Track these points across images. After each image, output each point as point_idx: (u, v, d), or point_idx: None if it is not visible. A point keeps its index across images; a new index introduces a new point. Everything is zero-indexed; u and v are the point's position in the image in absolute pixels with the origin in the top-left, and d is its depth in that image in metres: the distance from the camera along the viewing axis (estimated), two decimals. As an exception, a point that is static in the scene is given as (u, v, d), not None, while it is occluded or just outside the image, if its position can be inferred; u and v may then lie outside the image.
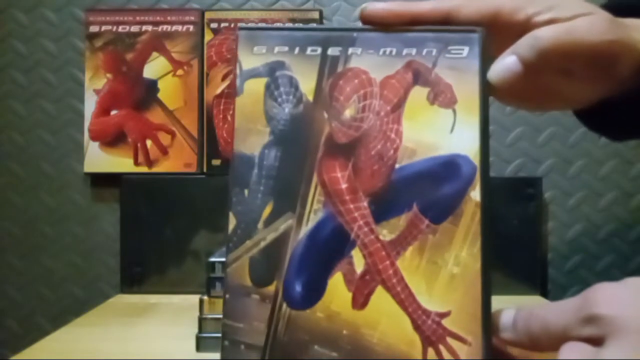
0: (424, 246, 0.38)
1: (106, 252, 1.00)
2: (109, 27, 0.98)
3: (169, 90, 0.98)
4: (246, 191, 0.40)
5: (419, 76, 0.39)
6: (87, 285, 1.00)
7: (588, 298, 0.34)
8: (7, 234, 1.00)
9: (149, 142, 0.97)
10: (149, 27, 0.98)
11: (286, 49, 0.40)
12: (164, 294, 0.94)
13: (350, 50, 0.40)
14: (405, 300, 0.37)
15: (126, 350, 0.67)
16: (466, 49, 0.39)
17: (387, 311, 0.37)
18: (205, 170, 0.98)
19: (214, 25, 0.98)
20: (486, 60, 0.39)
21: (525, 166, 0.98)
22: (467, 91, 0.38)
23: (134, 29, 0.98)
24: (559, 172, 0.98)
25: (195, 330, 0.67)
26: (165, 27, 0.98)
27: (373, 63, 0.39)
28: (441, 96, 0.39)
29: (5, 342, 0.99)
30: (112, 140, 0.98)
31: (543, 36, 0.40)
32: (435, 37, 0.39)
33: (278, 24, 0.95)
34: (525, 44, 0.40)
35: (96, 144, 0.97)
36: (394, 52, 0.39)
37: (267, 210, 0.39)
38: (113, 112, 0.98)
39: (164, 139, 0.97)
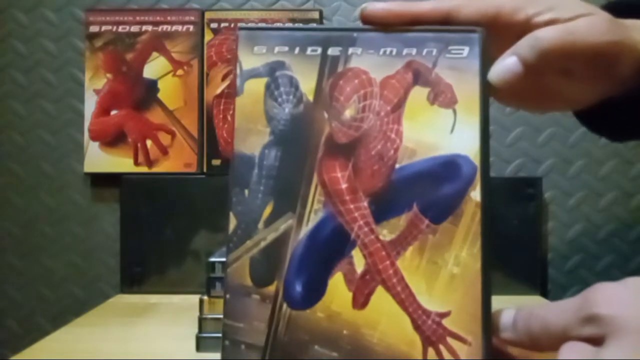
0: (424, 246, 0.38)
1: (106, 252, 1.00)
2: (109, 27, 0.98)
3: (169, 90, 0.98)
4: (246, 191, 0.40)
5: (419, 76, 0.39)
6: (87, 285, 1.00)
7: (588, 298, 0.34)
8: (7, 234, 1.00)
9: (149, 142, 0.97)
10: (149, 27, 0.98)
11: (286, 49, 0.40)
12: (164, 294, 0.94)
13: (351, 50, 0.40)
14: (406, 300, 0.37)
15: (126, 350, 0.67)
16: (466, 49, 0.39)
17: (387, 311, 0.37)
18: (205, 170, 0.98)
19: (214, 25, 0.98)
20: (486, 60, 0.39)
21: (525, 166, 0.98)
22: (468, 91, 0.38)
23: (134, 29, 0.98)
24: (559, 172, 0.98)
25: (195, 330, 0.67)
26: (165, 27, 0.98)
27: (373, 63, 0.39)
28: (441, 96, 0.39)
29: (5, 342, 0.99)
30: (112, 140, 0.98)
31: (544, 37, 0.40)
32: (435, 37, 0.39)
33: (278, 24, 0.95)
34: (526, 45, 0.40)
35: (96, 144, 0.97)
36: (394, 52, 0.39)
37: (268, 210, 0.39)
38: (113, 112, 0.98)
39: (164, 139, 0.97)
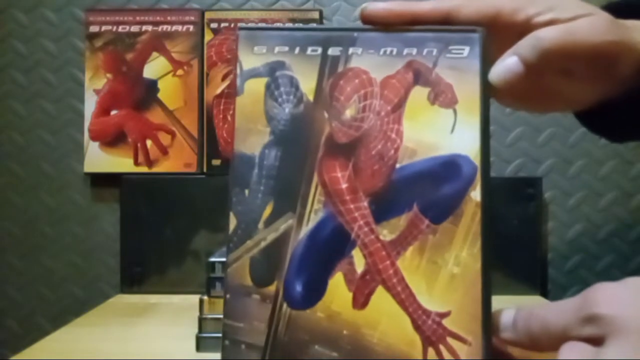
0: (424, 246, 0.38)
1: (106, 252, 1.00)
2: (109, 27, 0.98)
3: (169, 90, 0.98)
4: (246, 191, 0.40)
5: (419, 76, 0.39)
6: (87, 285, 1.00)
7: (588, 298, 0.34)
8: (7, 234, 1.00)
9: (149, 142, 0.97)
10: (149, 27, 0.98)
11: (286, 49, 0.40)
12: (164, 294, 0.94)
13: (351, 50, 0.40)
14: (406, 300, 0.37)
15: (126, 350, 0.67)
16: (467, 49, 0.39)
17: (387, 311, 0.37)
18: (205, 170, 0.98)
19: (214, 25, 0.98)
20: (487, 60, 0.39)
21: (525, 166, 0.98)
22: (468, 91, 0.38)
23: (134, 29, 0.98)
24: (559, 172, 0.98)
25: (195, 330, 0.67)
26: (165, 27, 0.98)
27: (373, 63, 0.39)
28: (442, 96, 0.39)
29: (5, 342, 0.99)
30: (112, 140, 0.98)
31: (544, 37, 0.40)
32: (435, 37, 0.39)
33: (278, 24, 0.95)
34: (527, 45, 0.40)
35: (96, 144, 0.97)
36: (394, 52, 0.39)
37: (268, 210, 0.39)
38: (113, 112, 0.98)
39: (164, 139, 0.97)
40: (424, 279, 0.38)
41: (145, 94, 0.98)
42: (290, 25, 0.93)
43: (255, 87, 0.40)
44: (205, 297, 0.69)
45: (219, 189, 0.94)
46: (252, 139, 0.40)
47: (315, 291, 0.38)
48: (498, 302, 0.37)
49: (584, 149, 0.97)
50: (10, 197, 1.00)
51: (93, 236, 1.00)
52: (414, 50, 0.39)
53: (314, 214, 0.39)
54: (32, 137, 1.00)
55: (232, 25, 0.98)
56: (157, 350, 0.67)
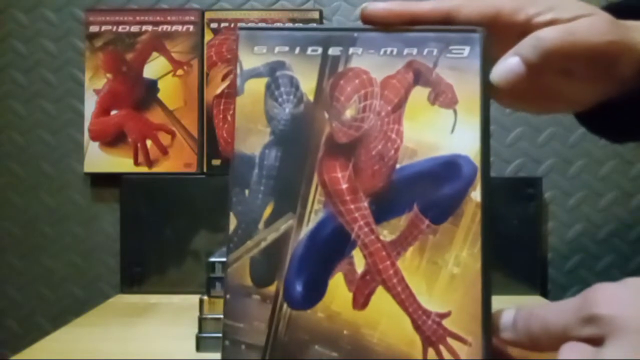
0: (424, 246, 0.38)
1: (106, 252, 1.00)
2: (109, 27, 0.98)
3: (169, 90, 0.98)
4: (247, 191, 0.40)
5: (419, 76, 0.39)
6: (87, 285, 1.00)
7: (588, 298, 0.34)
8: (7, 234, 1.00)
9: (149, 142, 0.97)
10: (149, 27, 0.98)
11: (287, 49, 0.40)
12: (164, 294, 0.94)
13: (351, 50, 0.40)
14: (406, 300, 0.37)
15: (126, 350, 0.67)
16: (467, 49, 0.39)
17: (387, 311, 0.37)
18: (205, 170, 0.98)
19: (214, 25, 0.98)
20: (487, 60, 0.39)
21: (525, 166, 0.98)
22: (468, 91, 0.38)
23: (134, 29, 0.98)
24: (559, 172, 0.98)
25: (195, 330, 0.67)
26: (165, 27, 0.98)
27: (374, 63, 0.39)
28: (442, 96, 0.39)
29: (5, 342, 0.99)
30: (112, 140, 0.98)
31: (546, 37, 0.40)
32: (436, 37, 0.39)
33: (278, 24, 0.95)
34: (528, 45, 0.40)
35: (96, 144, 0.97)
36: (394, 52, 0.39)
37: (268, 211, 0.39)
38: (113, 112, 0.98)
39: (164, 139, 0.97)
40: (424, 279, 0.38)
41: (145, 94, 0.98)
42: (290, 25, 0.93)
43: (255, 87, 0.40)
44: (205, 297, 0.69)
45: (219, 189, 0.94)
46: (252, 139, 0.40)
47: (315, 291, 0.38)
48: (498, 302, 0.37)
49: (584, 149, 0.97)
50: (10, 197, 1.00)
51: (93, 236, 1.00)
52: (414, 50, 0.39)
53: (314, 214, 0.39)
54: (32, 137, 1.00)
55: (232, 25, 0.98)
56: (157, 350, 0.67)
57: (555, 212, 0.98)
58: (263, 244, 0.39)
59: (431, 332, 0.37)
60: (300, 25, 0.94)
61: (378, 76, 0.39)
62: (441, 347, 0.37)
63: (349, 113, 0.39)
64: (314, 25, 0.96)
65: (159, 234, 0.96)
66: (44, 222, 1.00)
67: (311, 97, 0.40)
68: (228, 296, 0.39)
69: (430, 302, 0.37)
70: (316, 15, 0.98)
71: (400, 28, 0.40)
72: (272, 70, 0.40)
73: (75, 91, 1.00)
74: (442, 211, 0.38)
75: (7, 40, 1.00)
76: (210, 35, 0.98)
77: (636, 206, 0.97)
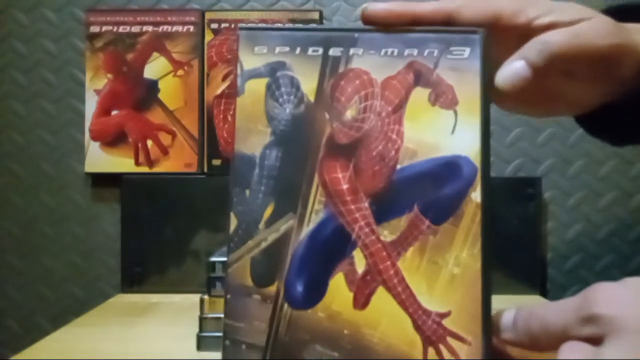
0: (424, 247, 0.38)
1: (106, 252, 1.00)
2: (110, 28, 0.98)
3: (170, 91, 0.98)
4: (247, 191, 0.40)
5: (420, 77, 0.39)
6: (87, 285, 1.00)
7: (587, 297, 0.34)
8: (7, 234, 1.00)
9: (149, 142, 0.97)
10: (150, 28, 0.98)
11: (287, 49, 0.40)
12: (164, 293, 0.94)
13: (352, 50, 0.40)
14: (406, 300, 0.37)
15: (126, 350, 0.67)
16: (467, 50, 0.39)
17: (388, 311, 0.38)
18: (205, 170, 0.98)
19: (214, 25, 0.98)
20: (487, 61, 0.39)
21: (525, 166, 0.98)
22: (469, 92, 0.38)
23: (135, 29, 0.98)
24: (559, 172, 0.98)
25: (196, 329, 0.67)
26: (165, 28, 0.98)
27: (374, 64, 0.39)
28: (442, 97, 0.39)
29: (5, 342, 0.99)
30: (113, 140, 0.98)
31: (552, 40, 0.40)
32: (436, 38, 0.39)
33: (279, 24, 0.96)
34: (534, 49, 0.40)
35: (97, 144, 0.98)
36: (395, 53, 0.39)
37: (269, 211, 0.39)
38: (114, 112, 0.98)
39: (165, 139, 0.98)
40: (425, 280, 0.38)
41: (146, 94, 0.98)
42: (290, 25, 0.93)
43: (256, 88, 0.40)
44: (206, 297, 0.69)
45: (219, 189, 0.94)
46: (252, 139, 0.40)
47: (316, 291, 0.38)
48: (498, 302, 0.37)
49: (584, 149, 0.97)
50: (10, 197, 1.00)
51: (93, 236, 1.00)
52: (415, 51, 0.39)
53: (315, 214, 0.39)
54: (32, 137, 1.00)
55: (233, 25, 0.98)
56: (157, 350, 0.67)
57: (555, 212, 0.98)
58: (264, 244, 0.39)
59: (431, 331, 0.37)
60: (300, 25, 0.94)
61: (379, 77, 0.39)
62: (441, 347, 0.37)
63: (349, 114, 0.39)
64: (315, 25, 0.96)
65: (159, 233, 0.96)
66: (44, 222, 1.00)
67: (312, 98, 0.40)
68: (229, 296, 0.39)
69: (431, 302, 0.37)
70: (316, 15, 0.98)
71: (401, 29, 0.40)
72: (273, 71, 0.40)
73: (75, 91, 1.00)
74: (442, 212, 0.38)
75: (7, 40, 1.00)
76: (211, 35, 0.98)
77: (636, 206, 0.97)
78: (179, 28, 0.98)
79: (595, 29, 0.41)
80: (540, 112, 0.49)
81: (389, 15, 0.40)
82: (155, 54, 0.98)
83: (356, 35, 0.40)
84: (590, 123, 0.50)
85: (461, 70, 0.39)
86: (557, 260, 0.98)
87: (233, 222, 0.40)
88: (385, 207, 0.38)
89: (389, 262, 0.38)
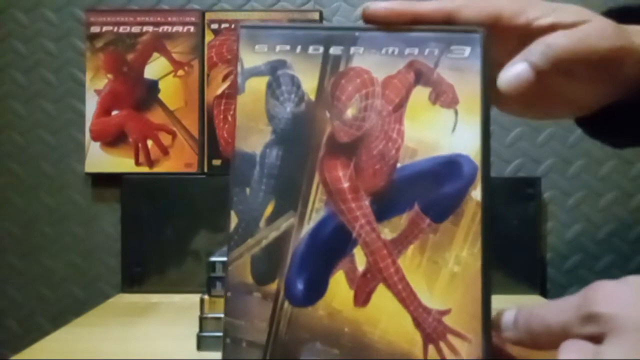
0: (425, 245, 0.38)
1: (106, 252, 1.00)
2: (110, 28, 0.98)
3: (170, 91, 0.98)
4: (247, 190, 0.40)
5: (420, 76, 0.39)
6: (87, 285, 1.00)
7: (587, 296, 0.34)
8: (7, 234, 1.00)
9: (149, 142, 0.98)
10: (150, 28, 0.98)
11: (288, 47, 0.40)
12: (164, 293, 0.94)
13: (353, 49, 0.40)
14: (407, 298, 0.37)
15: (126, 350, 0.67)
16: (468, 49, 0.39)
17: (388, 309, 0.38)
18: (205, 170, 0.98)
19: (214, 26, 0.98)
20: (488, 60, 0.39)
21: (525, 166, 0.98)
22: (469, 91, 0.38)
23: (135, 29, 0.98)
24: (559, 172, 0.98)
25: (196, 329, 0.67)
26: (165, 28, 0.98)
27: (375, 62, 0.39)
28: (443, 96, 0.39)
29: (5, 342, 0.99)
30: (113, 140, 0.98)
31: (555, 43, 0.40)
32: (437, 37, 0.39)
33: (279, 23, 0.96)
34: (537, 52, 0.40)
35: (97, 144, 0.98)
36: (396, 52, 0.39)
37: (269, 209, 0.39)
38: (114, 113, 0.98)
39: (165, 139, 0.98)
40: (425, 278, 0.38)
41: (146, 95, 0.98)
42: (291, 23, 0.93)
43: (256, 86, 0.40)
44: (206, 297, 0.69)
45: (220, 189, 0.94)
46: (253, 137, 0.40)
47: (316, 289, 0.38)
48: (498, 301, 0.37)
49: (584, 149, 0.98)
50: (10, 197, 1.00)
51: (93, 236, 1.00)
52: (416, 50, 0.39)
53: (315, 212, 0.39)
54: (32, 137, 1.00)
55: (233, 26, 0.98)
56: (157, 350, 0.67)
57: (555, 212, 0.98)
58: (264, 242, 0.39)
59: (432, 329, 0.37)
60: (301, 24, 0.94)
61: (379, 76, 0.39)
62: (442, 344, 0.37)
63: (350, 112, 0.39)
64: (315, 24, 0.96)
65: (159, 233, 0.96)
66: (44, 222, 1.00)
67: (312, 97, 0.40)
68: (229, 294, 0.39)
69: (431, 300, 0.37)
70: (316, 16, 0.98)
71: (402, 28, 0.40)
72: (273, 69, 0.40)
73: (75, 91, 1.00)
74: (442, 210, 0.38)
75: (7, 40, 1.00)
76: (211, 36, 0.98)
77: (636, 206, 0.98)
78: (179, 28, 0.98)
79: (598, 32, 0.41)
80: (540, 115, 0.49)
81: (390, 14, 0.40)
82: (155, 54, 0.98)
83: (357, 34, 0.40)
84: (590, 125, 0.50)
85: (461, 69, 0.39)
86: (557, 260, 0.98)
87: (233, 220, 0.40)
88: (385, 205, 0.38)
89: (389, 260, 0.38)
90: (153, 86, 0.98)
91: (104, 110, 0.98)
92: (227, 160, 0.96)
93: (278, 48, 0.40)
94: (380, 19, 0.40)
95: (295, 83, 0.40)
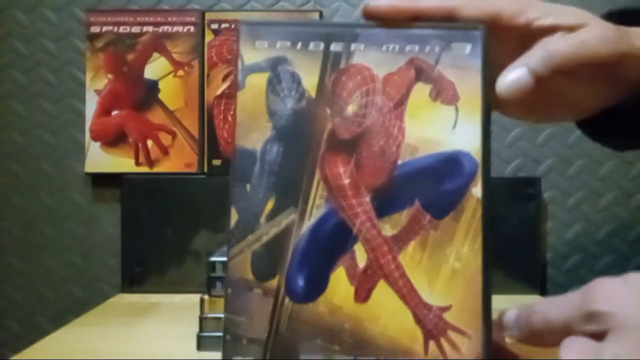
0: (425, 241, 0.38)
1: (106, 252, 1.00)
2: (110, 28, 0.98)
3: (170, 91, 0.98)
4: (248, 186, 0.40)
5: (421, 73, 0.39)
6: (87, 285, 1.00)
7: (588, 294, 0.34)
8: (7, 234, 1.00)
9: (149, 142, 0.98)
10: (150, 28, 0.98)
11: (288, 44, 0.40)
12: (164, 293, 0.94)
13: (353, 46, 0.40)
14: (407, 294, 0.37)
15: (126, 350, 0.67)
16: (469, 47, 0.39)
17: (389, 305, 0.38)
18: (205, 170, 0.98)
19: (214, 26, 0.99)
20: (488, 58, 0.39)
21: (525, 166, 0.98)
22: (469, 89, 0.39)
23: (135, 29, 0.98)
24: (559, 172, 0.98)
25: (196, 329, 0.67)
26: (165, 28, 0.98)
27: (376, 59, 0.39)
28: (443, 93, 0.39)
29: (5, 342, 0.99)
30: (113, 140, 0.98)
31: (556, 50, 0.40)
32: (437, 34, 0.39)
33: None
34: (537, 57, 0.40)
35: (97, 144, 0.98)
36: (396, 49, 0.39)
37: (269, 205, 0.39)
38: (114, 113, 0.98)
39: (165, 139, 0.98)
40: (426, 274, 0.38)
41: (146, 95, 0.98)
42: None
43: (257, 82, 0.40)
44: (206, 297, 0.69)
45: (220, 189, 0.94)
46: (254, 134, 0.40)
47: (317, 285, 0.38)
48: (498, 301, 0.37)
49: (584, 149, 0.98)
50: (10, 197, 1.00)
51: (93, 236, 1.00)
52: (416, 47, 0.39)
53: (316, 209, 0.39)
54: (32, 137, 1.00)
55: (233, 26, 0.98)
56: (157, 350, 0.67)
57: (555, 212, 0.98)
58: (264, 239, 0.39)
59: (432, 325, 0.37)
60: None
61: (380, 72, 0.39)
62: (442, 340, 0.37)
63: (350, 109, 0.39)
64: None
65: (159, 233, 0.96)
66: (44, 222, 1.00)
67: (313, 93, 0.40)
68: (229, 290, 0.39)
69: (432, 296, 0.37)
70: (316, 16, 0.98)
71: (402, 24, 0.40)
72: (274, 66, 0.40)
73: (75, 91, 1.00)
74: (443, 206, 0.38)
75: (7, 40, 1.00)
76: (211, 36, 0.98)
77: (636, 206, 0.98)
78: (179, 28, 0.98)
79: (598, 36, 0.41)
80: (541, 118, 0.49)
81: (391, 10, 0.40)
82: (155, 54, 0.98)
83: (357, 30, 0.40)
84: (591, 128, 0.50)
85: (462, 66, 0.39)
86: (556, 260, 0.98)
87: (234, 217, 0.39)
88: (386, 202, 0.38)
89: (390, 257, 0.38)
90: (153, 86, 0.98)
91: (104, 110, 0.98)
92: (227, 160, 0.96)
93: (278, 44, 0.40)
94: (381, 15, 0.40)
95: (295, 79, 0.40)
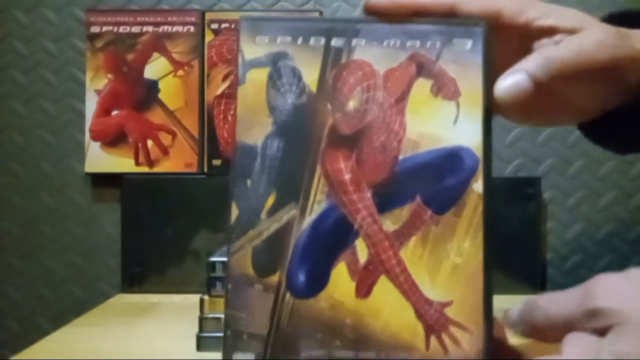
0: (427, 237, 0.38)
1: (106, 252, 1.00)
2: (110, 28, 0.98)
3: (170, 91, 0.98)
4: (248, 181, 0.40)
5: (422, 69, 0.39)
6: (87, 285, 1.00)
7: (589, 291, 0.34)
8: (7, 234, 1.00)
9: (149, 142, 0.98)
10: (150, 28, 0.99)
11: (289, 39, 0.40)
12: (164, 293, 0.94)
13: (354, 41, 0.40)
14: (409, 290, 0.37)
15: (126, 350, 0.67)
16: (470, 42, 0.39)
17: (390, 300, 0.37)
18: (205, 170, 0.98)
19: (214, 26, 0.99)
20: (489, 54, 0.39)
21: (525, 166, 0.98)
22: (471, 84, 0.39)
23: (135, 29, 0.99)
24: (559, 172, 0.98)
25: (196, 329, 0.67)
26: (165, 28, 0.99)
27: (377, 55, 0.39)
28: (445, 89, 0.39)
29: (5, 342, 0.99)
30: (113, 140, 0.98)
31: (555, 57, 0.40)
32: (439, 30, 0.39)
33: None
34: (537, 64, 0.40)
35: (97, 144, 0.98)
36: (397, 44, 0.39)
37: (270, 201, 0.39)
38: (114, 113, 0.98)
39: (165, 139, 0.98)
40: (427, 269, 0.38)
41: (146, 95, 0.98)
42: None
43: (257, 77, 0.40)
44: (206, 297, 0.68)
45: (220, 189, 0.94)
46: (254, 129, 0.40)
47: (318, 281, 0.38)
48: (498, 301, 0.37)
49: (584, 149, 0.98)
50: (10, 197, 1.00)
51: (93, 236, 1.00)
52: (417, 43, 0.39)
53: (317, 204, 0.39)
54: (32, 137, 1.00)
55: (233, 26, 0.98)
56: (157, 350, 0.67)
57: (555, 212, 0.98)
58: (265, 234, 0.39)
59: (433, 320, 0.37)
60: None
61: (381, 68, 0.39)
62: (443, 336, 0.37)
63: (351, 104, 0.39)
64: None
65: (159, 233, 0.96)
66: (44, 222, 1.00)
67: (314, 89, 0.40)
68: (230, 286, 0.39)
69: (433, 291, 0.37)
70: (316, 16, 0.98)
71: (403, 20, 0.40)
72: (274, 61, 0.40)
73: (75, 91, 1.00)
74: (444, 202, 0.38)
75: (7, 40, 1.00)
76: (211, 35, 0.98)
77: (636, 206, 0.98)
78: (179, 28, 0.98)
79: (598, 41, 0.41)
80: (542, 122, 0.49)
81: (392, 6, 0.40)
82: (155, 54, 0.98)
83: (358, 26, 0.40)
84: (592, 131, 0.50)
85: (463, 62, 0.39)
86: (556, 260, 0.98)
87: (234, 212, 0.39)
88: (387, 197, 0.38)
89: (391, 252, 0.38)
90: (153, 86, 0.98)
91: (104, 110, 0.98)
92: (227, 160, 0.96)
93: (279, 39, 0.40)
94: (382, 10, 0.40)
95: (296, 75, 0.40)
